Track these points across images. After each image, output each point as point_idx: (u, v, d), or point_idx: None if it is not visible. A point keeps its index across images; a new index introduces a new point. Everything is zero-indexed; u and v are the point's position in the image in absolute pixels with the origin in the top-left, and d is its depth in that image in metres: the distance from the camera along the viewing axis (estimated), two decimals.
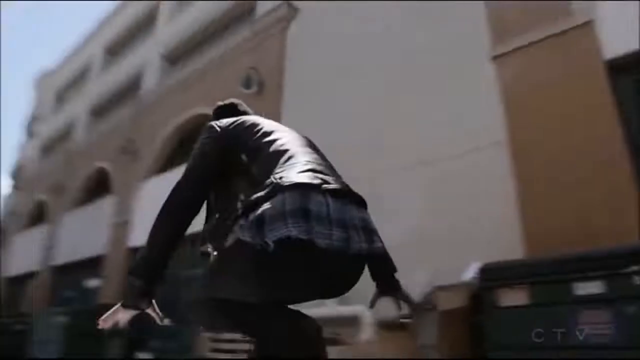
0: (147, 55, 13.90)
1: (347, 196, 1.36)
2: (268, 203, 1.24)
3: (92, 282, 11.12)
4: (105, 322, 1.38)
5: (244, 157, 1.49)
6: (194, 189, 1.50)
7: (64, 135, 17.31)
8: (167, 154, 11.22)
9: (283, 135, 1.56)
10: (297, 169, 1.36)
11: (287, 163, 1.40)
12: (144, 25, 15.07)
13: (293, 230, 1.18)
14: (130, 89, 14.13)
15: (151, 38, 14.19)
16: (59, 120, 18.18)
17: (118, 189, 12.13)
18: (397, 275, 1.65)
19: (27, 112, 22.36)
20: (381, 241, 1.40)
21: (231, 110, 1.88)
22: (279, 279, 1.28)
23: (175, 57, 12.82)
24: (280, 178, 1.30)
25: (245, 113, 1.86)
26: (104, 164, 13.15)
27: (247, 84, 8.96)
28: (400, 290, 1.65)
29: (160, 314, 1.42)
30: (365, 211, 1.42)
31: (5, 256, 16.73)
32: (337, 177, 1.46)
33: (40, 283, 13.69)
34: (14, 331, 10.21)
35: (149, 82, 13.03)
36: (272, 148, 1.48)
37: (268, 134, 1.55)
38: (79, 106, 16.94)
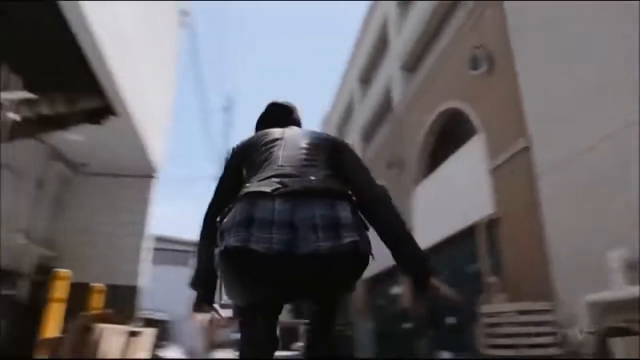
0: (389, 72, 14.79)
1: (310, 195, 1.33)
2: (228, 215, 1.37)
3: (396, 289, 12.21)
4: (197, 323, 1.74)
5: (244, 172, 1.61)
6: (217, 207, 1.64)
7: None
8: (427, 156, 11.53)
9: (277, 143, 1.60)
10: (261, 177, 1.42)
11: (261, 173, 1.47)
12: (380, 48, 16.15)
13: (232, 240, 1.26)
14: (385, 107, 15.24)
15: (388, 55, 15.06)
16: None
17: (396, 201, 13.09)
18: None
19: None
20: (360, 235, 1.32)
21: (268, 117, 1.95)
22: (234, 285, 1.37)
23: (411, 64, 13.21)
24: (243, 189, 1.39)
25: (283, 117, 1.91)
26: (381, 182, 14.46)
27: (475, 64, 8.49)
28: (424, 285, 1.47)
29: (222, 315, 1.64)
30: (340, 206, 1.34)
31: None
32: (307, 176, 1.42)
33: (360, 294, 15.86)
34: (345, 336, 12.26)
35: (397, 95, 13.78)
36: (261, 159, 1.55)
37: (267, 143, 1.61)
38: (353, 136, 19.20)
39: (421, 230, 10.93)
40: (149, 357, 4.61)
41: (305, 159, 1.53)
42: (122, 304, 6.97)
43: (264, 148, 1.61)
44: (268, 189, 1.35)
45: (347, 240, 1.29)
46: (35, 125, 4.25)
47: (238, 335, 1.47)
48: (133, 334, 4.40)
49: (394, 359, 8.91)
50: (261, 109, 1.91)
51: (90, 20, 4.62)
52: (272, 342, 1.42)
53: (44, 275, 6.67)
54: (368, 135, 17.20)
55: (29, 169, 6.71)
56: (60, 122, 4.50)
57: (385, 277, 13.49)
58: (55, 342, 3.90)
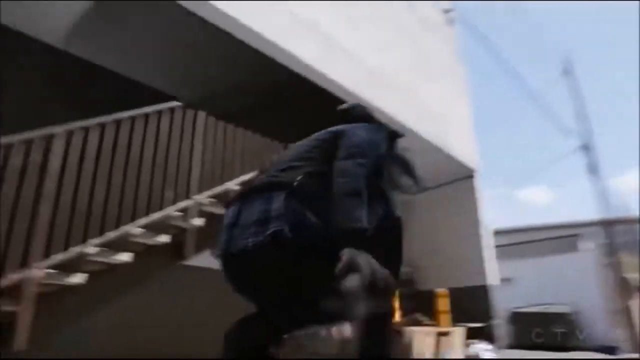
0: None
1: (253, 193, 1.38)
2: None
3: None
4: None
5: None
6: None
7: None
8: None
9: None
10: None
11: None
12: None
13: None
14: None
15: None
16: None
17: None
18: None
19: None
20: (293, 222, 1.24)
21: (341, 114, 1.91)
22: None
23: None
24: None
25: (342, 121, 1.79)
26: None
27: None
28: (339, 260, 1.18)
29: None
30: (275, 198, 1.29)
31: None
32: (260, 175, 1.48)
33: None
34: None
35: None
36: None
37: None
38: None
39: None
40: (461, 355, 4.66)
41: (276, 164, 1.54)
42: (472, 304, 7.20)
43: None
44: (234, 197, 1.49)
45: (269, 231, 1.26)
46: None
47: None
48: (442, 334, 4.60)
49: None
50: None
51: (342, 79, 5.38)
52: (246, 343, 1.42)
53: (410, 287, 7.92)
54: None
55: None
56: None
57: None
58: None
